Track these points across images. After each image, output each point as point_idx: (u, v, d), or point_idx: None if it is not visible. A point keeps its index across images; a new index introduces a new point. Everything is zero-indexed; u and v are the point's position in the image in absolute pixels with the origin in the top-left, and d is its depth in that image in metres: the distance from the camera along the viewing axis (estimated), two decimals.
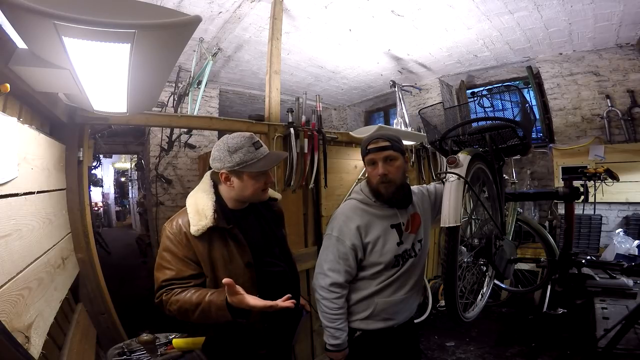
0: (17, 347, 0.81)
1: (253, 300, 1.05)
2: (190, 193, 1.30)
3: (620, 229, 3.29)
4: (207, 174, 1.34)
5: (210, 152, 1.29)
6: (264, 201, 1.41)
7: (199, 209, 1.20)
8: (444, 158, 2.09)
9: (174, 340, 1.42)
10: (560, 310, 2.42)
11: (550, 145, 4.09)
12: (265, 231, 1.37)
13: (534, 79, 4.34)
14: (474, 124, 1.65)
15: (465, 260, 1.43)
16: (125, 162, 10.78)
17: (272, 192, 1.45)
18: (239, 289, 1.05)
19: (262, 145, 1.26)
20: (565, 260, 1.87)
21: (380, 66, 4.44)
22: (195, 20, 0.91)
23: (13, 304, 0.91)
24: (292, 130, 2.43)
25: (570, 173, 3.06)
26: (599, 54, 3.79)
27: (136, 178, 8.35)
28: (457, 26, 3.39)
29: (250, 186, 1.24)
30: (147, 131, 4.61)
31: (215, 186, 1.30)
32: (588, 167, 3.29)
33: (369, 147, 1.39)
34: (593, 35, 3.50)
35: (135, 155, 6.98)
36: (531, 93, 4.40)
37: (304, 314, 1.50)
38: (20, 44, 1.03)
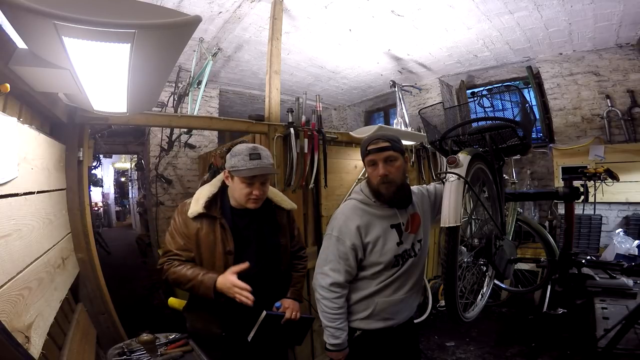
0: (17, 347, 0.81)
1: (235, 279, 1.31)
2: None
3: (620, 229, 3.29)
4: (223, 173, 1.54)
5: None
6: (269, 209, 1.56)
7: (198, 197, 1.46)
8: (444, 158, 2.09)
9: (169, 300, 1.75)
10: (560, 310, 2.41)
11: (550, 145, 4.09)
12: (256, 236, 1.50)
13: (534, 79, 4.34)
14: (474, 124, 1.65)
15: (465, 260, 1.43)
16: (125, 162, 10.78)
17: (282, 201, 1.61)
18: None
19: (258, 158, 1.40)
20: (565, 260, 1.88)
21: (380, 66, 4.44)
22: (195, 20, 0.91)
23: (13, 304, 0.91)
24: (292, 130, 2.43)
25: (570, 173, 3.05)
26: (599, 54, 3.79)
27: (136, 178, 8.34)
28: (457, 26, 3.39)
29: (238, 190, 1.43)
30: (147, 131, 4.61)
31: (225, 184, 1.50)
32: (588, 167, 3.27)
33: (369, 148, 1.39)
34: (593, 35, 3.50)
35: (135, 155, 6.97)
36: (531, 93, 4.40)
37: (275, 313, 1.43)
38: (20, 44, 1.03)
